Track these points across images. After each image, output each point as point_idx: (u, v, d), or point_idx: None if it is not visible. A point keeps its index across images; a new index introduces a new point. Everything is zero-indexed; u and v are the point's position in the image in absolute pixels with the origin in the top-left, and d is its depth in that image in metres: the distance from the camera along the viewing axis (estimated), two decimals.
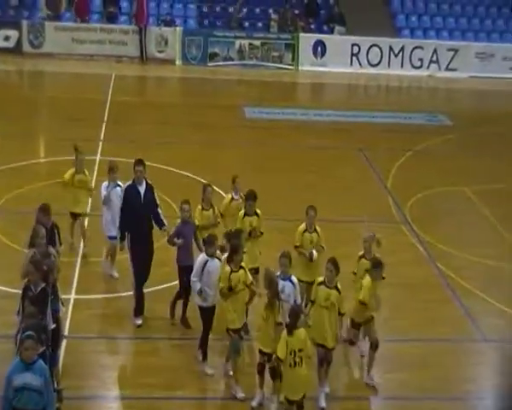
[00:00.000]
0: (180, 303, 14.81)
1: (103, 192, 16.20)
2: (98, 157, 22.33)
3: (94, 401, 13.02)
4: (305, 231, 14.64)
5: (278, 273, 13.09)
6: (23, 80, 32.97)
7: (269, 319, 12.39)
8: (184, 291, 14.55)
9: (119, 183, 16.03)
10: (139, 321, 14.75)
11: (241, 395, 12.96)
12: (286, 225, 17.37)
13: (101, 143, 23.51)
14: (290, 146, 25.04)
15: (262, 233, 14.93)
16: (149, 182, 14.95)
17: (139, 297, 14.77)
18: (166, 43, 33.73)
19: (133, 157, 21.82)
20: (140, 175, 14.75)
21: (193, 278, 13.43)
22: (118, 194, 15.69)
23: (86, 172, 17.40)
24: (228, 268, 12.90)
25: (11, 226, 17.21)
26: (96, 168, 21.37)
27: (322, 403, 12.87)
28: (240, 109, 28.34)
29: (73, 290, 15.53)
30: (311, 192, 21.29)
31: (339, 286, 12.80)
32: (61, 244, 14.19)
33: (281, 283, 12.88)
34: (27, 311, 11.82)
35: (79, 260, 16.89)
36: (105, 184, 16.30)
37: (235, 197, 15.59)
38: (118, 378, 13.67)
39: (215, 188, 20.86)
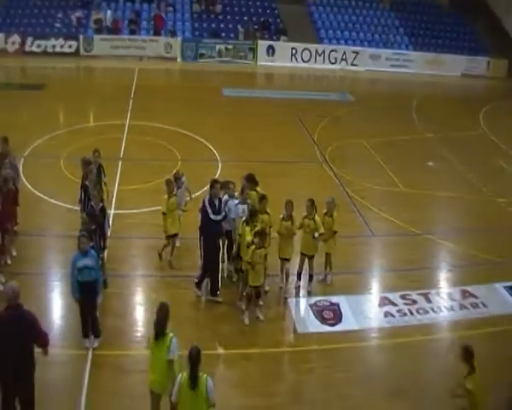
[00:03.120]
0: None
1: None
2: (127, 121, 22.02)
3: (127, 277, 12.98)
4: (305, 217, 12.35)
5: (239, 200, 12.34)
6: (80, 73, 32.04)
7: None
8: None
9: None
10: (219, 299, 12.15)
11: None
12: (249, 166, 17.17)
13: (129, 113, 23.04)
14: (251, 114, 24.66)
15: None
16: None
17: (213, 277, 12.17)
18: (171, 47, 33.05)
19: (151, 121, 21.90)
20: (218, 193, 12.00)
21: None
22: (233, 204, 12.32)
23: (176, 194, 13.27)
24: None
25: (74, 167, 16.77)
26: (126, 130, 21.11)
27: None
28: (219, 90, 27.83)
29: (113, 207, 15.32)
30: (263, 143, 21.22)
31: (316, 218, 12.28)
32: (105, 176, 14.02)
33: (240, 206, 12.27)
34: (84, 221, 11.81)
35: (116, 189, 16.49)
36: (226, 197, 12.41)
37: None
38: (145, 263, 13.61)
39: (200, 140, 20.80)
